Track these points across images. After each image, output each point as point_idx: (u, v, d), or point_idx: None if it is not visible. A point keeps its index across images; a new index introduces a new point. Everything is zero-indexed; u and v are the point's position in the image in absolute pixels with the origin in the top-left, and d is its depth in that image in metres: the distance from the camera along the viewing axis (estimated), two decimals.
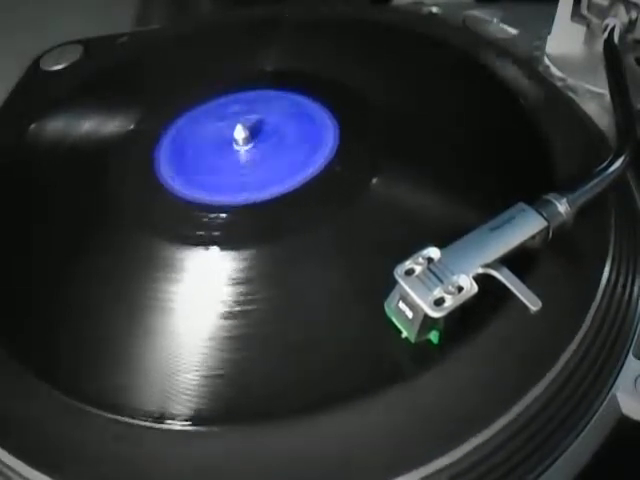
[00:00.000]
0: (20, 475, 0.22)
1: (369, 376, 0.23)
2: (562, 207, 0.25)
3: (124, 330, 0.25)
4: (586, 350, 0.24)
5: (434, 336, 0.23)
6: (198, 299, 0.26)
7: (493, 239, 0.23)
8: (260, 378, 0.23)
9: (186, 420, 0.22)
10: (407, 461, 0.21)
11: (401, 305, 0.23)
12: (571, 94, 0.35)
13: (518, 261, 0.24)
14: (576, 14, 0.37)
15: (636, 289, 0.26)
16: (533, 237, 0.24)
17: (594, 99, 0.35)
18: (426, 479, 0.21)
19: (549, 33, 0.39)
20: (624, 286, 0.26)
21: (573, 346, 0.23)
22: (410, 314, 0.22)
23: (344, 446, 0.21)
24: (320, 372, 0.23)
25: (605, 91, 0.32)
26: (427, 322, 0.22)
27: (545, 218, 0.24)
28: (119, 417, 0.22)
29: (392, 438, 0.21)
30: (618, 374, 0.24)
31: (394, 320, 0.23)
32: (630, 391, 0.24)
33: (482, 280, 0.22)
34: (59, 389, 0.23)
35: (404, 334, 0.23)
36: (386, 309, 0.23)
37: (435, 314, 0.22)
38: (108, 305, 0.26)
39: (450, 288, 0.22)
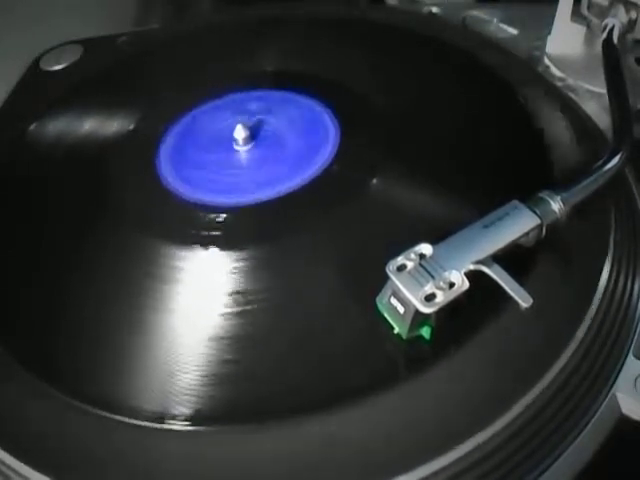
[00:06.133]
0: (20, 475, 0.22)
1: (368, 376, 0.23)
2: (556, 205, 0.25)
3: (124, 330, 0.25)
4: (586, 350, 0.24)
5: (426, 332, 0.23)
6: (198, 299, 0.26)
7: (485, 236, 0.23)
8: (260, 378, 0.23)
9: (187, 420, 0.22)
10: (407, 461, 0.21)
11: (393, 301, 0.23)
12: (571, 94, 0.35)
13: (518, 261, 0.24)
14: (576, 14, 0.37)
15: (636, 289, 0.26)
16: (526, 234, 0.24)
17: (594, 99, 0.35)
18: (426, 479, 0.21)
19: (549, 33, 0.39)
20: (624, 286, 0.26)
21: (573, 346, 0.23)
22: (401, 310, 0.22)
23: (344, 446, 0.21)
24: (320, 372, 0.23)
25: (605, 91, 0.32)
26: (418, 318, 0.22)
27: (538, 216, 0.24)
28: (119, 417, 0.22)
29: (391, 438, 0.21)
30: (618, 374, 0.24)
31: (386, 316, 0.23)
32: (630, 391, 0.24)
33: (480, 279, 0.22)
34: (59, 389, 0.23)
35: (396, 330, 0.23)
36: (378, 305, 0.24)
37: (426, 310, 0.22)
38: (108, 305, 0.26)
39: (441, 284, 0.22)
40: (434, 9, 0.43)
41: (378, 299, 0.24)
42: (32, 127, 0.36)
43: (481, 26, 0.41)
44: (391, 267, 0.23)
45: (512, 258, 0.23)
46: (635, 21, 0.34)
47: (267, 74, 0.37)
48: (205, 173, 0.31)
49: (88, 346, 0.25)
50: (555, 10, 0.38)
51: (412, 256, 0.23)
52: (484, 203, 0.25)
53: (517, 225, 0.24)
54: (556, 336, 0.23)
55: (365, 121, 0.32)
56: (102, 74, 0.39)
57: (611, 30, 0.34)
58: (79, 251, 0.29)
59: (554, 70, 0.37)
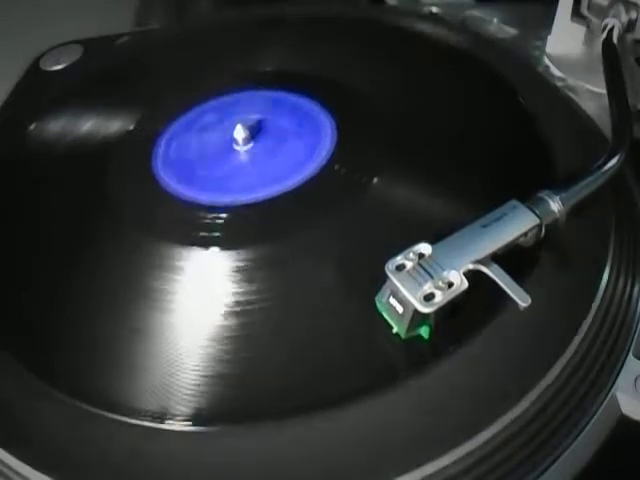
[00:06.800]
0: (20, 475, 0.22)
1: (369, 376, 0.23)
2: (555, 205, 0.25)
3: (125, 330, 0.25)
4: (586, 350, 0.24)
5: (425, 331, 0.23)
6: (198, 299, 0.26)
7: (484, 236, 0.23)
8: (260, 378, 0.23)
9: (187, 420, 0.22)
10: (407, 461, 0.21)
11: (392, 300, 0.23)
12: (571, 94, 0.35)
13: (518, 261, 0.24)
14: (576, 14, 0.37)
15: (636, 289, 0.26)
16: (525, 234, 0.24)
17: (594, 99, 0.35)
18: (426, 479, 0.21)
19: (549, 33, 0.39)
20: (624, 286, 0.26)
21: (573, 346, 0.23)
22: (400, 309, 0.22)
23: (344, 446, 0.21)
24: (320, 372, 0.23)
25: (605, 91, 0.32)
26: (417, 317, 0.22)
27: (537, 215, 0.24)
28: (119, 417, 0.22)
29: (392, 438, 0.21)
30: (618, 374, 0.24)
31: (385, 315, 0.23)
32: (630, 391, 0.24)
33: (480, 279, 0.22)
34: (59, 389, 0.23)
35: (395, 329, 0.23)
36: (377, 304, 0.24)
37: (424, 309, 0.22)
38: (108, 305, 0.26)
39: (440, 284, 0.22)
40: (434, 9, 0.43)
41: (377, 298, 0.24)
42: (32, 127, 0.36)
43: (481, 26, 0.41)
44: (390, 266, 0.23)
45: (512, 258, 0.23)
46: (635, 21, 0.34)
47: (266, 74, 0.37)
48: (204, 173, 0.31)
49: (89, 346, 0.25)
50: (555, 10, 0.38)
51: (411, 256, 0.23)
52: (483, 203, 0.25)
53: (516, 225, 0.24)
54: (556, 336, 0.23)
55: (362, 120, 0.32)
56: (102, 74, 0.39)
57: (611, 30, 0.34)
58: (78, 251, 0.29)
59: (554, 70, 0.37)
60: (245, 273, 0.26)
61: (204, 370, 0.23)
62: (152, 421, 0.22)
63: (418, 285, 0.22)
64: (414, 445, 0.21)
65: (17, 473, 0.22)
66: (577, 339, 0.23)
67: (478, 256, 0.23)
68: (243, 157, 0.31)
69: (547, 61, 0.38)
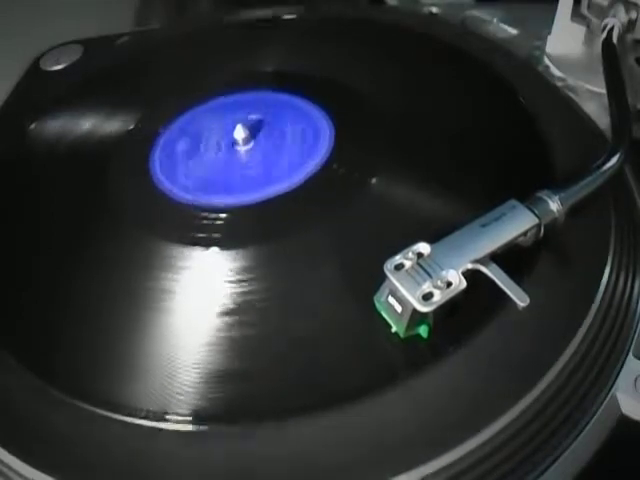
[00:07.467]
0: (20, 475, 0.22)
1: (369, 375, 0.23)
2: (554, 204, 0.25)
3: (125, 330, 0.25)
4: (586, 350, 0.23)
5: (423, 331, 0.23)
6: (199, 299, 0.26)
7: (483, 235, 0.23)
8: (260, 378, 0.23)
9: (187, 420, 0.22)
10: (407, 461, 0.21)
11: (390, 299, 0.23)
12: (571, 94, 0.35)
13: (518, 261, 0.24)
14: (576, 14, 0.37)
15: (636, 289, 0.26)
16: (524, 234, 0.24)
17: (594, 99, 0.35)
18: (426, 479, 0.21)
19: (549, 33, 0.39)
20: (624, 286, 0.26)
21: (573, 346, 0.23)
22: (399, 308, 0.22)
23: (344, 446, 0.21)
24: (320, 372, 0.23)
25: (605, 91, 0.32)
26: (416, 316, 0.22)
27: (536, 215, 0.24)
28: (119, 417, 0.22)
29: (392, 437, 0.21)
30: (618, 374, 0.24)
31: (384, 314, 0.23)
32: (630, 391, 0.24)
33: (479, 279, 0.22)
34: (59, 389, 0.23)
35: (393, 329, 0.23)
36: (376, 303, 0.24)
37: (423, 308, 0.22)
38: (108, 305, 0.26)
39: (439, 283, 0.22)
40: (434, 9, 0.43)
41: (376, 298, 0.24)
42: (32, 127, 0.36)
43: (481, 26, 0.41)
44: (389, 266, 0.23)
45: (511, 258, 0.23)
46: (635, 21, 0.34)
47: (266, 74, 0.37)
48: (204, 173, 0.31)
49: (89, 345, 0.25)
50: (555, 10, 0.38)
51: (410, 255, 0.23)
52: (482, 202, 0.25)
53: (515, 224, 0.24)
54: (556, 336, 0.23)
55: (360, 121, 0.32)
56: (102, 74, 0.39)
57: (611, 30, 0.34)
58: (78, 250, 0.29)
59: (554, 70, 0.37)
60: (245, 273, 0.26)
61: (204, 370, 0.23)
62: (152, 421, 0.22)
63: (417, 284, 0.22)
64: (413, 445, 0.21)
65: (17, 473, 0.22)
66: (577, 339, 0.23)
67: (477, 256, 0.23)
68: (242, 157, 0.31)
69: (547, 61, 0.38)
